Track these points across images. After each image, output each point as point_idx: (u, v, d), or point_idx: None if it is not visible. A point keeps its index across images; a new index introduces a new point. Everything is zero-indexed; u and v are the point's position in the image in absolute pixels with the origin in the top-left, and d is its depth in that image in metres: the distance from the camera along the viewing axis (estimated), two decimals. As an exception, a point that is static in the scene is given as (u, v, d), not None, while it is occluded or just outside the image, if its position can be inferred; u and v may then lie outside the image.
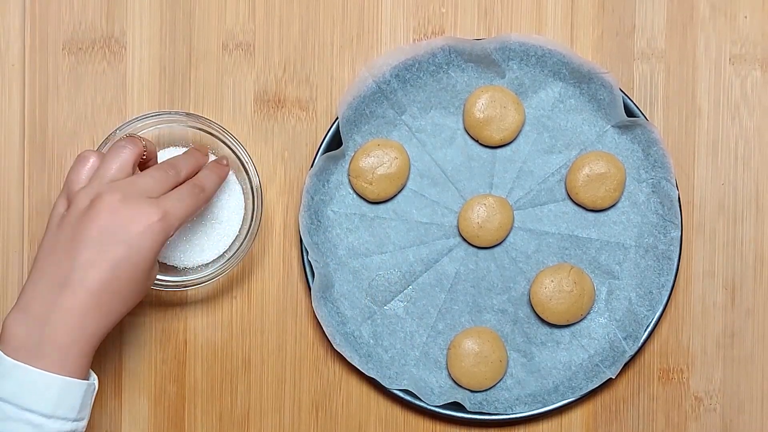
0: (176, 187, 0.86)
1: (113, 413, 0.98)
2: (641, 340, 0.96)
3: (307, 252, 0.95)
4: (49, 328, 0.79)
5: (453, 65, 0.96)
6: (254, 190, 0.93)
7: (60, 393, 0.79)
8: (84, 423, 0.82)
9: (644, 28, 0.98)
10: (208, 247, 0.95)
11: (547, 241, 0.97)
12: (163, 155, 0.96)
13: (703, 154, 0.98)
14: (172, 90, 0.98)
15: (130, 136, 0.87)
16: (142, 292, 0.84)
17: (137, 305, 0.97)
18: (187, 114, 0.94)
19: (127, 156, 0.85)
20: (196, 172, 0.89)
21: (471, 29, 0.98)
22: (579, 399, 0.96)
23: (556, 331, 0.97)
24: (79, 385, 0.80)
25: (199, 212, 0.95)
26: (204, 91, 0.98)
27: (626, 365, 0.96)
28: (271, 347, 0.98)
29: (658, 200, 0.96)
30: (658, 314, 0.96)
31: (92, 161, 0.85)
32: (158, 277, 0.94)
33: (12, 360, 0.79)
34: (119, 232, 0.80)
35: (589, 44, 0.98)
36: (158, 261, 0.88)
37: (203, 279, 0.93)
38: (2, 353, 0.80)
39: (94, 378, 0.83)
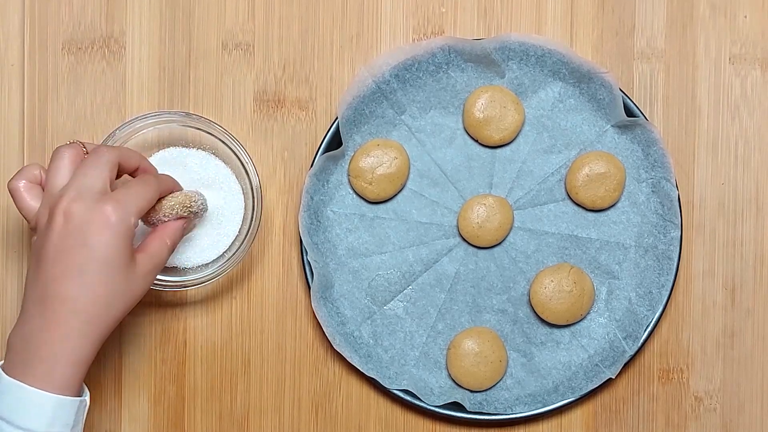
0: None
1: (113, 413, 0.98)
2: (641, 340, 0.95)
3: (307, 252, 0.95)
4: (33, 345, 0.79)
5: (453, 65, 0.96)
6: (254, 190, 0.93)
7: (54, 411, 0.79)
8: None
9: (644, 27, 0.98)
10: (208, 247, 0.95)
11: (546, 241, 0.97)
12: (163, 155, 0.96)
13: (703, 154, 0.98)
14: (171, 90, 0.98)
15: (62, 147, 0.85)
16: (127, 295, 0.82)
17: (137, 306, 0.97)
18: (187, 114, 0.94)
19: (65, 161, 0.83)
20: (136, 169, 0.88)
21: (471, 29, 0.98)
22: (579, 399, 0.96)
23: (556, 331, 0.97)
24: (71, 402, 0.80)
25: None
26: (204, 91, 0.98)
27: (626, 365, 0.96)
28: (271, 347, 0.98)
29: (658, 200, 0.96)
30: (658, 314, 0.96)
31: (24, 184, 0.84)
32: (158, 277, 0.94)
33: (9, 378, 0.79)
34: (76, 236, 0.79)
35: (589, 44, 0.98)
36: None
37: (203, 279, 0.93)
38: (1, 371, 0.80)
39: (86, 394, 0.83)
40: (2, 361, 0.82)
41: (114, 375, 0.98)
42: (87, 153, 0.85)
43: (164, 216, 0.87)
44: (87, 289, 0.79)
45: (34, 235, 0.83)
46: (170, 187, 0.89)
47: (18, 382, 0.79)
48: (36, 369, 0.79)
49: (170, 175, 0.91)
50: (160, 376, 0.98)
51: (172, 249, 0.87)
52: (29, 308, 0.81)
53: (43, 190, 0.84)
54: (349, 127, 0.96)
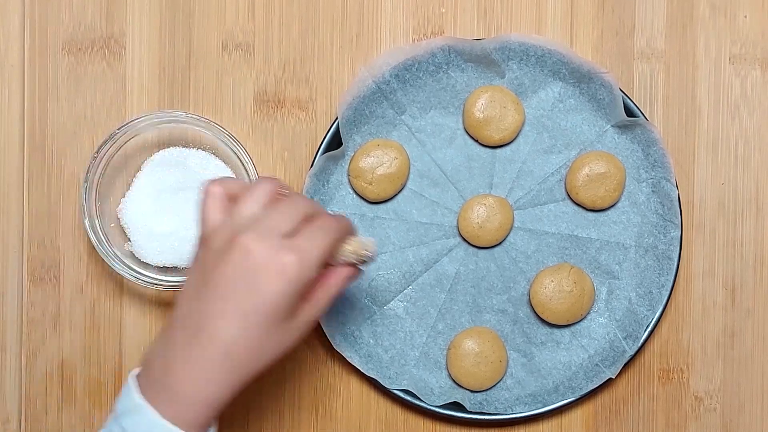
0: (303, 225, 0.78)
1: (113, 413, 0.98)
2: (641, 340, 0.95)
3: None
4: (173, 377, 0.75)
5: (453, 65, 0.96)
6: (254, 190, 0.93)
7: None
8: None
9: (644, 27, 0.98)
10: (208, 247, 0.95)
11: (547, 241, 0.97)
12: (163, 155, 0.96)
13: (703, 154, 0.98)
14: (171, 90, 0.98)
15: (269, 177, 0.81)
16: (282, 345, 0.77)
17: (136, 305, 0.97)
18: (187, 114, 0.94)
19: (263, 193, 0.78)
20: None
21: (471, 29, 0.98)
22: (579, 399, 0.96)
23: (556, 331, 0.97)
24: None
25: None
26: (204, 91, 0.98)
27: (626, 365, 0.96)
28: (271, 347, 0.98)
29: (658, 200, 0.96)
30: (658, 314, 0.96)
31: (218, 192, 0.79)
32: (158, 277, 0.94)
33: (139, 398, 0.76)
34: (251, 279, 0.74)
35: (589, 44, 0.98)
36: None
37: (203, 279, 0.93)
38: (134, 387, 0.77)
39: (214, 426, 0.78)
40: (137, 370, 0.78)
41: (114, 375, 0.98)
42: (281, 191, 0.80)
43: (334, 261, 0.81)
44: (245, 336, 0.75)
45: (199, 249, 0.79)
46: (349, 232, 0.82)
47: (151, 408, 0.75)
48: (172, 402, 0.75)
49: (344, 216, 0.83)
50: (160, 376, 0.98)
51: (336, 298, 0.81)
52: (177, 332, 0.76)
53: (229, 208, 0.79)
54: (349, 128, 0.96)
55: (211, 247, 0.77)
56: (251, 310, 0.75)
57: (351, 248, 0.81)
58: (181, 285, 0.92)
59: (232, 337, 0.75)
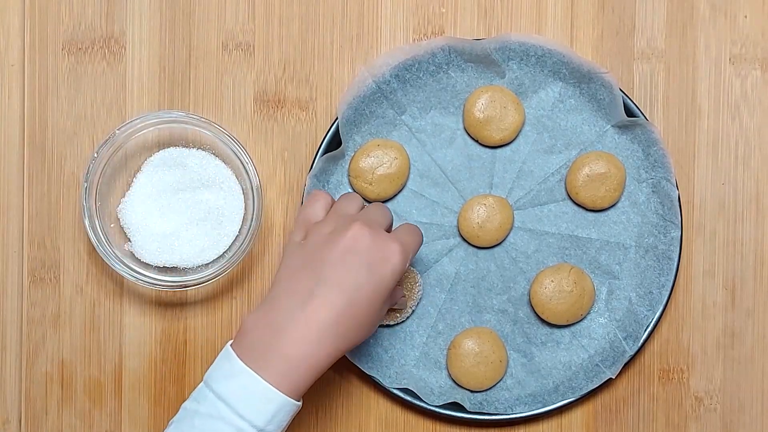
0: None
1: (113, 413, 0.98)
2: (641, 340, 0.96)
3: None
4: (285, 339, 0.80)
5: (453, 65, 0.96)
6: (254, 190, 0.93)
7: (277, 411, 0.79)
8: None
9: (644, 27, 0.98)
10: (208, 247, 0.95)
11: (547, 241, 0.97)
12: (163, 155, 0.96)
13: (703, 154, 0.98)
14: (172, 90, 0.98)
15: (351, 193, 0.91)
16: (373, 326, 0.84)
17: (136, 305, 0.97)
18: (187, 114, 0.94)
19: (357, 200, 0.88)
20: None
21: (471, 29, 0.98)
22: (579, 399, 0.96)
23: (556, 331, 0.97)
24: (292, 405, 0.80)
25: (198, 212, 0.95)
26: (204, 91, 0.98)
27: (626, 365, 0.96)
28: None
29: (658, 200, 0.96)
30: (658, 314, 0.96)
31: (325, 199, 0.88)
32: (158, 277, 0.94)
33: (241, 364, 0.79)
34: (363, 257, 0.81)
35: (589, 44, 0.98)
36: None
37: (203, 279, 0.93)
38: (234, 354, 0.80)
39: (300, 399, 0.82)
40: (230, 342, 0.82)
41: (114, 375, 0.98)
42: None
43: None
44: (352, 309, 0.81)
45: (298, 232, 0.86)
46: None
47: (254, 373, 0.79)
48: (277, 365, 0.79)
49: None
50: (160, 376, 0.98)
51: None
52: (286, 300, 0.81)
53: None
54: (349, 128, 0.96)
55: (317, 232, 0.84)
56: (361, 286, 0.81)
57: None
58: (182, 285, 0.93)
59: (341, 307, 0.80)
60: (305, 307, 0.80)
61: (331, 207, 0.88)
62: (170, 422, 0.82)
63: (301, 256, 0.83)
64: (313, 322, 0.80)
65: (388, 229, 0.87)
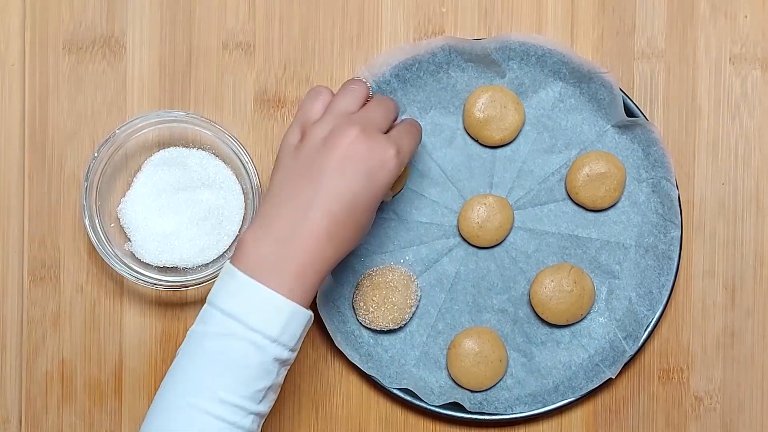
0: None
1: (113, 413, 0.98)
2: (641, 340, 0.95)
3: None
4: (289, 250, 0.80)
5: (453, 65, 0.96)
6: (254, 190, 0.93)
7: (288, 319, 0.79)
8: (295, 355, 0.82)
9: (644, 27, 0.98)
10: (208, 247, 0.95)
11: (547, 241, 0.97)
12: (163, 155, 0.96)
13: (703, 154, 0.98)
14: (172, 90, 0.98)
15: (357, 79, 0.88)
16: (366, 229, 0.84)
17: (136, 305, 0.97)
18: (187, 114, 0.94)
19: (358, 94, 0.86)
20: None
21: (471, 29, 0.98)
22: (579, 399, 0.96)
23: (556, 330, 0.97)
24: (304, 314, 0.81)
25: (198, 212, 0.95)
26: (204, 91, 0.98)
27: (626, 365, 0.96)
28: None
29: (658, 200, 0.96)
30: (658, 314, 0.96)
31: (324, 96, 0.86)
32: (158, 277, 0.94)
33: (247, 278, 0.79)
34: (360, 163, 0.81)
35: (589, 44, 0.98)
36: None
37: (203, 279, 0.93)
38: (238, 270, 0.80)
39: (308, 308, 0.83)
40: (229, 260, 0.82)
41: (114, 375, 0.98)
42: (370, 95, 0.88)
43: None
44: (351, 214, 0.82)
45: (295, 131, 0.85)
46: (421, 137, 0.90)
47: (260, 284, 0.79)
48: (286, 276, 0.80)
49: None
50: (160, 376, 0.98)
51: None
52: (285, 213, 0.81)
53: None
54: (350, 127, 0.96)
55: (315, 135, 0.83)
56: (360, 191, 0.82)
57: None
58: (182, 285, 0.93)
59: (341, 215, 0.81)
60: (305, 219, 0.80)
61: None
62: (177, 351, 0.81)
63: (297, 162, 0.83)
64: (314, 232, 0.80)
65: (390, 126, 0.87)
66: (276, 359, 0.79)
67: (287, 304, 0.79)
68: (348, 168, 0.81)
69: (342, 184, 0.81)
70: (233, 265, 0.81)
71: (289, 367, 0.82)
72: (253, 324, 0.78)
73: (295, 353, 0.82)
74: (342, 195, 0.81)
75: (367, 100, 0.87)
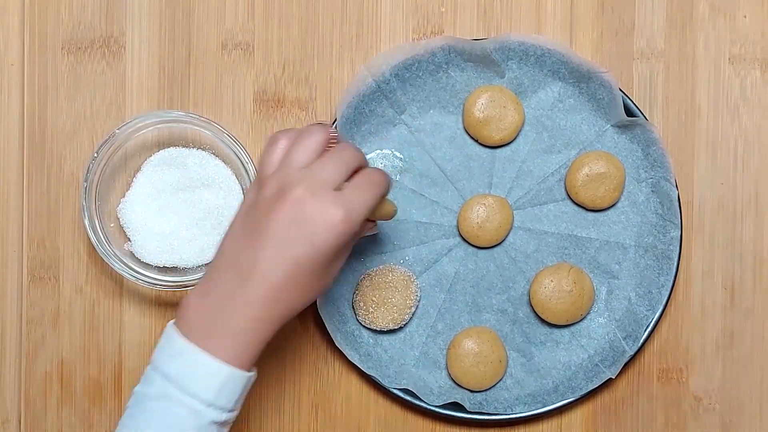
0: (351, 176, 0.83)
1: (113, 413, 0.98)
2: (641, 340, 0.95)
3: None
4: (224, 316, 0.79)
5: (452, 65, 0.96)
6: (254, 190, 0.93)
7: (224, 383, 0.79)
8: (236, 413, 0.82)
9: (644, 27, 0.98)
10: (207, 247, 0.95)
11: (546, 241, 0.97)
12: (163, 155, 0.96)
13: (703, 154, 0.98)
14: (171, 90, 0.98)
15: (320, 123, 0.85)
16: (320, 290, 0.82)
17: (136, 305, 0.97)
18: (187, 114, 0.94)
19: (314, 142, 0.81)
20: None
21: (470, 29, 0.98)
22: (579, 399, 0.96)
23: (555, 331, 0.97)
24: (242, 377, 0.80)
25: (198, 212, 0.95)
26: (203, 91, 0.98)
27: (626, 365, 0.96)
28: (271, 347, 0.98)
29: (658, 200, 0.96)
30: (657, 314, 0.96)
31: (282, 144, 0.82)
32: (158, 277, 0.94)
33: (184, 341, 0.79)
34: (303, 230, 0.78)
35: (589, 44, 0.98)
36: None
37: (203, 279, 0.93)
38: (177, 333, 0.80)
39: (254, 369, 0.82)
40: (172, 321, 0.81)
41: (114, 375, 0.98)
42: (334, 139, 0.83)
43: None
44: (294, 280, 0.79)
45: (255, 187, 0.82)
46: (388, 188, 0.85)
47: (196, 348, 0.79)
48: (223, 341, 0.79)
49: (383, 172, 0.86)
50: (159, 376, 0.98)
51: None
52: (227, 277, 0.80)
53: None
54: (349, 126, 0.96)
55: (264, 195, 0.80)
56: (302, 258, 0.79)
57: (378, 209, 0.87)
58: (182, 285, 0.93)
59: (282, 280, 0.79)
60: (244, 285, 0.79)
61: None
62: (124, 409, 0.81)
63: (246, 222, 0.81)
64: (251, 301, 0.79)
65: (351, 176, 0.82)
66: (213, 422, 0.79)
67: (223, 369, 0.78)
68: (290, 233, 0.78)
69: (283, 252, 0.78)
70: (174, 326, 0.80)
71: (230, 426, 0.81)
72: (188, 388, 0.78)
73: (236, 412, 0.81)
74: (282, 263, 0.78)
75: (332, 142, 0.83)
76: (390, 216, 0.89)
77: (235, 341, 0.79)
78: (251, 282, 0.79)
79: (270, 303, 0.79)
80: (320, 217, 0.78)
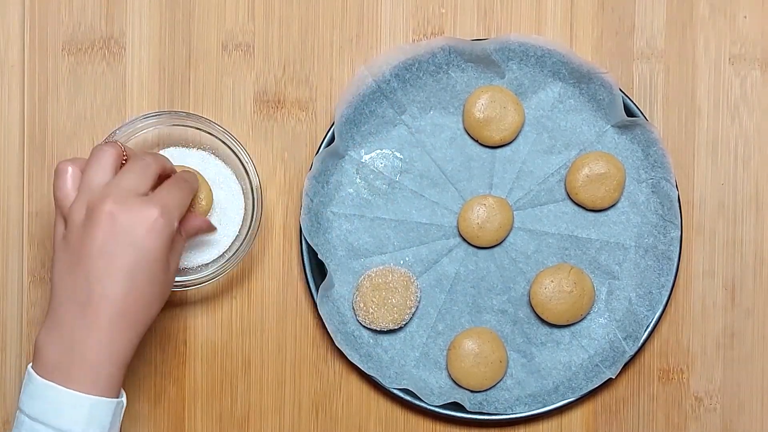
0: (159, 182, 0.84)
1: (113, 413, 0.98)
2: (641, 340, 0.95)
3: (307, 253, 0.95)
4: (79, 348, 0.79)
5: (453, 65, 0.96)
6: (254, 190, 0.93)
7: (90, 412, 0.78)
8: None
9: (644, 27, 0.98)
10: (208, 247, 0.95)
11: (546, 242, 0.97)
12: (163, 155, 0.96)
13: (703, 154, 0.98)
14: (171, 90, 0.98)
15: (104, 142, 0.85)
16: (163, 295, 0.83)
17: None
18: (187, 114, 0.94)
19: (106, 160, 0.82)
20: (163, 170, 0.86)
21: (471, 29, 0.98)
22: (579, 399, 0.96)
23: (556, 331, 0.97)
24: (109, 403, 0.80)
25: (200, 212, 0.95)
26: (204, 92, 0.98)
27: (626, 365, 0.96)
28: (271, 347, 0.98)
29: (658, 200, 0.96)
30: (658, 314, 0.96)
31: (71, 171, 0.82)
32: (158, 277, 0.94)
33: (43, 380, 0.79)
34: (124, 238, 0.79)
35: (589, 44, 0.98)
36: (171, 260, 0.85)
37: (203, 279, 0.93)
38: (34, 373, 0.80)
39: (123, 395, 0.82)
40: (30, 363, 0.81)
41: (114, 375, 0.98)
42: (126, 155, 0.84)
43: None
44: (134, 291, 0.79)
45: (59, 226, 0.82)
46: (197, 186, 0.89)
47: (55, 385, 0.78)
48: (81, 373, 0.78)
49: (191, 171, 0.89)
50: (160, 376, 0.98)
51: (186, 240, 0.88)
52: (66, 309, 0.80)
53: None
54: (349, 126, 0.96)
55: (74, 221, 0.80)
56: (133, 266, 0.79)
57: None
58: (182, 285, 0.93)
59: (122, 296, 0.79)
60: (85, 313, 0.79)
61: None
62: None
63: (67, 253, 0.80)
64: (96, 324, 0.79)
65: (159, 181, 0.83)
66: None
67: (87, 399, 0.78)
68: (112, 247, 0.78)
69: (111, 266, 0.78)
70: (32, 367, 0.80)
71: None
72: (56, 424, 0.78)
73: None
74: (115, 277, 0.78)
75: (125, 158, 0.84)
76: (206, 211, 0.93)
77: (92, 370, 0.79)
78: (92, 306, 0.79)
79: (117, 321, 0.79)
80: (137, 221, 0.79)
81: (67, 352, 0.79)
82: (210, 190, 0.94)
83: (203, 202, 0.93)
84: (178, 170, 0.90)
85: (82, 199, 0.81)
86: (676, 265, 0.95)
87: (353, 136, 0.96)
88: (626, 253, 0.97)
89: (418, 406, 0.96)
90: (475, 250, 0.97)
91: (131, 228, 0.79)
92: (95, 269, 0.79)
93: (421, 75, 0.96)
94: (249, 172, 0.93)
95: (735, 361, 0.98)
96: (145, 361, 0.98)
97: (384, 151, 0.97)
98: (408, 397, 0.96)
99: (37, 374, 0.79)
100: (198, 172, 0.93)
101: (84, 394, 0.78)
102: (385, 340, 0.97)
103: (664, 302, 0.96)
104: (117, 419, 0.81)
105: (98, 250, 0.79)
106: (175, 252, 0.84)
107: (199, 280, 0.93)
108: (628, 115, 0.95)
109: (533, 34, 0.97)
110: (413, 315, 0.97)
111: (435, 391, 0.96)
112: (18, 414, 0.80)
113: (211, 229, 0.91)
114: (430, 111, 0.97)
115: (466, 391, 0.96)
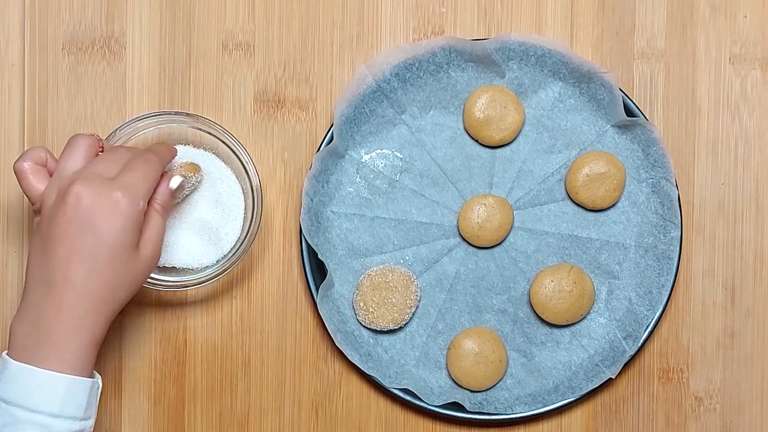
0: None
1: (113, 413, 0.98)
2: (641, 340, 0.95)
3: (307, 253, 0.95)
4: (44, 328, 0.80)
5: (453, 65, 0.96)
6: (254, 190, 0.93)
7: (66, 392, 0.79)
8: (91, 422, 0.82)
9: (644, 27, 0.98)
10: (208, 247, 0.95)
11: (546, 241, 0.97)
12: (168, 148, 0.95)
13: (703, 154, 0.98)
14: (172, 90, 0.98)
15: (79, 134, 0.86)
16: (134, 278, 0.83)
17: (136, 305, 0.97)
18: (187, 114, 0.94)
19: (78, 149, 0.84)
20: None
21: (471, 29, 0.98)
22: (579, 399, 0.96)
23: (556, 331, 0.97)
24: (83, 382, 0.80)
25: (199, 211, 0.95)
26: (204, 91, 0.98)
27: (626, 365, 0.96)
28: (271, 347, 0.98)
29: (658, 200, 0.96)
30: (658, 314, 0.96)
31: (29, 166, 0.84)
32: (158, 277, 0.94)
33: (17, 362, 0.80)
34: (85, 221, 0.79)
35: (589, 44, 0.98)
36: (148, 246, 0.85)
37: (203, 279, 0.93)
38: (8, 357, 0.80)
39: (97, 377, 0.83)
40: (5, 351, 0.82)
41: (114, 375, 0.98)
42: (102, 148, 0.85)
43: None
44: (94, 274, 0.80)
45: (36, 216, 0.83)
46: (169, 158, 0.89)
47: (28, 365, 0.79)
48: (49, 351, 0.79)
49: (165, 144, 0.90)
50: (160, 376, 0.98)
51: (166, 215, 0.87)
52: (34, 291, 0.81)
53: (51, 174, 0.84)
54: (349, 126, 0.96)
55: (45, 207, 0.82)
56: (95, 250, 0.80)
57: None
58: (182, 285, 0.93)
59: (84, 278, 0.80)
60: (50, 293, 0.80)
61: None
62: None
63: (38, 238, 0.82)
64: (62, 303, 0.79)
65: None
66: None
67: (61, 379, 0.79)
68: (77, 229, 0.79)
69: (73, 249, 0.79)
70: (6, 352, 0.81)
71: None
72: (32, 405, 0.78)
73: (91, 420, 0.82)
74: (76, 260, 0.79)
75: (102, 150, 0.85)
76: (197, 170, 0.91)
77: (57, 346, 0.79)
78: (56, 288, 0.80)
79: (81, 303, 0.80)
80: (99, 203, 0.79)
81: (36, 333, 0.80)
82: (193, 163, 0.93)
83: (189, 173, 0.91)
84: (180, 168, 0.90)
85: (54, 185, 0.82)
86: (676, 264, 0.95)
87: (353, 135, 0.96)
88: (626, 252, 0.97)
89: (418, 405, 0.96)
90: (475, 249, 0.97)
91: (92, 211, 0.80)
92: (58, 253, 0.80)
93: (421, 74, 0.96)
94: (249, 172, 0.93)
95: (735, 361, 0.98)
96: (145, 361, 0.98)
97: (384, 150, 0.97)
98: (408, 397, 0.96)
99: (11, 358, 0.80)
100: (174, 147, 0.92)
101: (57, 373, 0.79)
102: (385, 339, 0.97)
103: (664, 302, 0.96)
104: (93, 400, 0.82)
105: (61, 233, 0.80)
106: (151, 231, 0.84)
107: (199, 280, 0.93)
108: (628, 115, 0.95)
109: (533, 33, 0.97)
110: (413, 314, 0.97)
111: (435, 390, 0.96)
112: None
113: (182, 186, 0.89)
114: (431, 110, 0.97)
115: (466, 391, 0.96)
